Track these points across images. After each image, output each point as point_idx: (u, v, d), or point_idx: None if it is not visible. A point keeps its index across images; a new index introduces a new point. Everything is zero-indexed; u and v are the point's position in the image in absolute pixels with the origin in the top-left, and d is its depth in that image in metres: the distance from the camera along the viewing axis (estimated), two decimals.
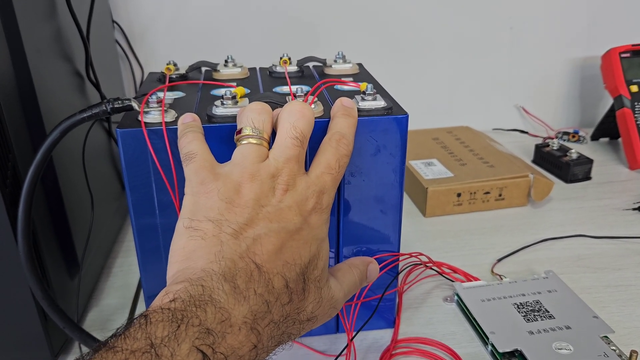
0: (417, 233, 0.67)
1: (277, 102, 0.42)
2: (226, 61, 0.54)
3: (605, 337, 0.48)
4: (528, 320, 0.49)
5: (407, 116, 0.43)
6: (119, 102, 0.41)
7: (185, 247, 0.32)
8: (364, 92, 0.44)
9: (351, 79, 0.53)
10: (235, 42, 0.86)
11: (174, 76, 0.52)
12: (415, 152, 0.79)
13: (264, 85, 0.51)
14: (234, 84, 0.51)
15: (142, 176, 0.41)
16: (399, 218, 0.47)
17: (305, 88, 0.46)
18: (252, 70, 0.56)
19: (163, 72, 0.52)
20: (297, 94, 0.42)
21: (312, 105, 0.42)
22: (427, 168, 0.74)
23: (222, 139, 0.41)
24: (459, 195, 0.70)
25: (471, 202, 0.71)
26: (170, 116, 0.42)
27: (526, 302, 0.52)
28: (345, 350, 0.46)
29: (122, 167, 0.41)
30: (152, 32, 0.83)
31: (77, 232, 0.50)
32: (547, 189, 0.72)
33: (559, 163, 0.80)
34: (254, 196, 0.33)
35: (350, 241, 0.47)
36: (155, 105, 0.41)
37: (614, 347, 0.47)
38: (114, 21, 0.79)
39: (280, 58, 0.54)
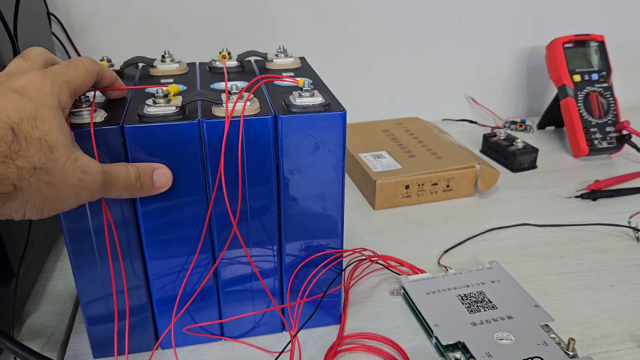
0: (366, 226, 0.67)
1: (211, 100, 0.41)
2: (163, 56, 0.53)
3: (546, 325, 0.49)
4: (471, 311, 0.50)
5: (345, 112, 0.42)
6: None
7: None
8: (300, 89, 0.43)
9: (292, 73, 0.52)
10: (179, 35, 0.84)
11: None
12: (365, 145, 0.79)
13: (203, 81, 0.50)
14: (171, 80, 0.50)
15: None
16: (341, 215, 0.46)
17: (242, 84, 0.45)
18: (191, 65, 0.55)
19: None
20: (231, 91, 0.41)
21: (248, 103, 0.41)
22: (376, 160, 0.74)
23: (154, 140, 0.40)
24: (407, 187, 0.70)
25: (419, 193, 0.71)
26: (100, 116, 0.40)
27: (470, 294, 0.52)
28: (290, 346, 0.46)
29: None
30: (92, 24, 0.80)
31: (9, 236, 0.48)
32: (494, 179, 0.73)
33: (505, 152, 0.81)
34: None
35: (292, 238, 0.46)
36: (85, 105, 0.40)
37: (553, 335, 0.48)
38: (50, 14, 0.75)
39: (220, 53, 0.53)
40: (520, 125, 0.94)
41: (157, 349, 0.48)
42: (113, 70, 0.50)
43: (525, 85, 1.00)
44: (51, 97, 0.35)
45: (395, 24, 0.90)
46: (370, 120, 0.90)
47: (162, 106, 0.40)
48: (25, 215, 0.33)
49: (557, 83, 0.86)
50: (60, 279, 0.58)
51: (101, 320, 0.45)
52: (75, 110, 0.40)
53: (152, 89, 0.46)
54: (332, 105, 0.43)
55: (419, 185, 0.71)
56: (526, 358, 0.45)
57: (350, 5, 0.88)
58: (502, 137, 0.84)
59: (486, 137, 0.85)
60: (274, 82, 0.49)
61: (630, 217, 0.66)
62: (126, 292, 0.44)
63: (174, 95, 0.42)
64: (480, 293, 0.52)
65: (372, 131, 0.84)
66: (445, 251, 0.62)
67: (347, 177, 0.79)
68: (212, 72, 0.52)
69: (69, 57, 0.79)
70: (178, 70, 0.52)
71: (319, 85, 0.48)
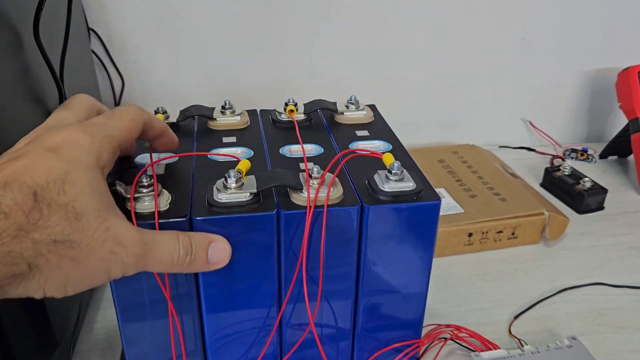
0: None
1: (290, 186, 0.36)
2: (223, 107, 0.47)
3: None
4: None
5: (440, 202, 0.37)
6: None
7: None
8: (389, 170, 0.37)
9: (366, 131, 0.47)
10: (221, 49, 0.78)
11: None
12: None
13: (268, 139, 0.45)
14: (233, 139, 0.45)
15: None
16: (422, 305, 0.41)
17: (314, 149, 0.40)
18: (252, 114, 0.49)
19: None
20: (312, 175, 0.36)
21: (332, 189, 0.36)
22: None
23: (225, 232, 0.35)
24: (470, 235, 0.65)
25: (482, 241, 0.66)
26: (164, 202, 0.35)
27: None
28: None
29: None
30: (133, 39, 0.74)
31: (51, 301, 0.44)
32: (563, 227, 0.68)
33: (571, 192, 0.75)
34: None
35: (368, 328, 0.41)
36: (147, 189, 0.35)
37: None
38: (90, 29, 0.70)
39: (286, 104, 0.47)
40: (582, 155, 0.88)
41: None
42: (169, 122, 0.46)
43: (587, 109, 0.93)
44: (89, 154, 0.30)
45: (455, 41, 0.84)
46: (422, 143, 0.84)
47: (234, 192, 0.35)
48: (46, 294, 0.29)
49: (629, 115, 0.79)
50: (102, 333, 0.54)
51: None
52: (137, 195, 0.35)
53: (217, 157, 0.41)
54: (424, 193, 0.37)
55: (483, 233, 0.65)
56: None
57: (406, 18, 0.81)
58: (566, 173, 0.78)
59: (549, 172, 0.79)
60: (351, 146, 0.43)
61: None
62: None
63: (245, 175, 0.37)
64: None
65: (427, 161, 0.79)
66: (516, 317, 0.57)
67: None
68: (278, 127, 0.47)
69: (108, 74, 0.74)
70: (239, 124, 0.47)
71: (400, 154, 0.43)
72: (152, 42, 0.74)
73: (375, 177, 0.38)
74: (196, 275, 0.37)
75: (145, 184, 0.35)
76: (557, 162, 0.85)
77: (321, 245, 0.36)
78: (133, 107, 0.36)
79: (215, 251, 0.34)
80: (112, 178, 0.38)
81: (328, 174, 0.37)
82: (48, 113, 0.46)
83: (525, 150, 0.90)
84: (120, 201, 0.34)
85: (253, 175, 0.37)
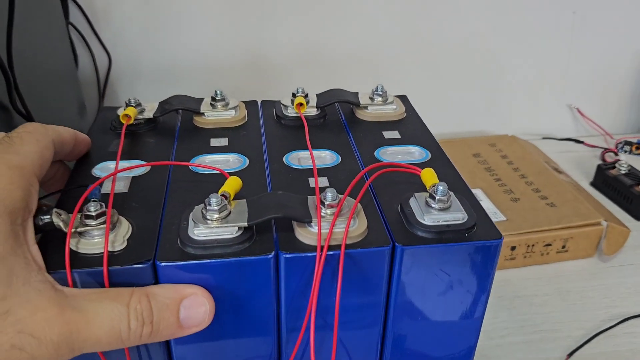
0: None
1: (293, 218, 0.26)
2: (214, 99, 0.37)
3: None
4: None
5: (502, 240, 0.27)
6: (38, 219, 0.25)
7: None
8: (431, 195, 0.27)
9: (396, 132, 0.36)
10: (218, 25, 0.67)
11: (137, 123, 0.35)
12: None
13: (270, 142, 0.35)
14: (225, 140, 0.35)
15: None
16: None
17: (331, 157, 0.30)
18: (251, 107, 0.39)
19: (119, 119, 0.35)
20: (325, 201, 0.26)
21: (352, 222, 0.26)
22: None
23: (204, 282, 0.25)
24: (513, 248, 0.55)
25: (527, 255, 0.56)
26: (120, 239, 0.25)
27: None
28: None
29: None
30: (119, 8, 0.64)
31: None
32: (622, 239, 0.57)
33: (628, 194, 0.64)
34: None
35: None
36: (95, 221, 0.25)
37: None
38: None
39: (294, 96, 0.37)
40: (638, 148, 0.76)
41: None
42: (144, 118, 0.36)
43: None
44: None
45: (492, 14, 0.72)
46: (453, 131, 0.74)
47: (217, 226, 0.25)
48: None
49: None
50: None
51: None
52: (82, 229, 0.25)
53: (200, 169, 0.31)
54: (478, 226, 0.27)
55: (528, 246, 0.55)
56: None
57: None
58: (623, 171, 0.66)
59: (601, 169, 0.68)
60: (377, 153, 0.33)
61: None
62: None
63: (233, 199, 0.27)
64: None
65: (461, 154, 0.68)
66: (570, 355, 0.47)
67: None
68: (283, 126, 0.37)
69: (90, 50, 0.64)
70: (233, 120, 0.37)
71: (443, 164, 0.33)
72: (141, 10, 0.64)
73: (412, 202, 0.28)
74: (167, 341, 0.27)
75: (94, 213, 0.25)
76: (609, 156, 0.74)
77: (336, 302, 0.26)
78: (31, 125, 0.27)
79: (190, 310, 0.25)
80: (57, 202, 0.29)
81: (348, 199, 0.27)
82: None
83: (572, 142, 0.78)
84: (61, 238, 0.25)
85: (245, 200, 0.27)
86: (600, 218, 0.56)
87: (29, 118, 0.40)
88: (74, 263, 0.24)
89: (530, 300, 0.53)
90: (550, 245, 0.56)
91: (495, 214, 0.57)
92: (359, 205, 0.27)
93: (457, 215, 0.27)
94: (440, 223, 0.27)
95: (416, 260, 0.26)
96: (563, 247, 0.56)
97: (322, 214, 0.26)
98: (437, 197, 0.27)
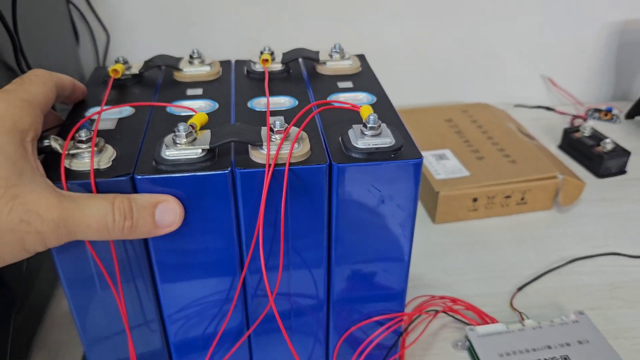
0: (425, 246, 0.58)
1: (247, 142, 0.32)
2: (191, 56, 0.43)
3: None
4: None
5: (421, 160, 0.32)
6: (40, 142, 0.31)
7: None
8: (364, 124, 0.33)
9: (350, 83, 0.42)
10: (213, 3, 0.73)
11: (124, 78, 0.41)
12: (425, 139, 0.68)
13: (239, 93, 0.40)
14: (200, 90, 0.40)
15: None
16: (405, 275, 0.37)
17: (288, 100, 0.35)
18: (225, 65, 0.45)
19: (109, 74, 0.41)
20: (274, 128, 0.32)
21: (296, 145, 0.32)
22: (438, 163, 0.64)
23: (174, 192, 0.31)
24: (475, 200, 0.60)
25: (488, 206, 0.61)
26: (105, 159, 0.31)
27: (552, 358, 0.43)
28: None
29: None
30: None
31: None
32: (578, 191, 0.62)
33: (590, 154, 0.69)
34: None
35: (343, 299, 0.37)
36: (85, 145, 0.31)
37: None
38: None
39: (261, 53, 0.43)
40: (606, 115, 0.81)
41: None
42: (131, 74, 0.41)
43: (614, 65, 0.86)
44: (3, 119, 0.28)
45: None
46: (431, 102, 0.79)
47: (184, 148, 0.31)
48: None
49: None
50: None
51: None
52: (74, 151, 0.31)
53: (175, 110, 0.37)
54: (404, 149, 0.33)
55: (489, 197, 0.60)
56: None
57: None
58: (586, 134, 0.71)
59: (567, 132, 0.73)
60: (330, 98, 0.39)
61: None
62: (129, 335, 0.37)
63: (200, 129, 0.33)
64: (565, 359, 0.43)
65: (433, 121, 0.73)
66: (519, 289, 0.52)
67: None
68: (251, 79, 0.42)
69: (89, 27, 0.69)
70: (209, 75, 0.42)
71: (385, 107, 0.38)
72: None
73: (350, 132, 0.33)
74: (146, 242, 0.33)
75: (84, 138, 0.31)
76: (577, 122, 0.79)
77: (282, 209, 0.31)
78: (39, 71, 0.33)
79: (164, 213, 0.30)
80: (55, 132, 0.35)
81: (293, 128, 0.32)
82: (3, 62, 0.42)
83: (543, 110, 0.83)
84: (58, 159, 0.31)
85: (209, 130, 0.33)
86: (557, 172, 0.61)
87: None
88: (67, 177, 0.30)
89: (488, 246, 0.58)
90: (509, 197, 0.61)
91: (460, 170, 0.62)
92: (303, 132, 0.33)
93: (386, 140, 0.32)
94: (371, 146, 0.32)
95: (350, 177, 0.32)
96: (522, 199, 0.61)
97: (272, 139, 0.32)
98: (369, 125, 0.32)
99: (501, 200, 0.61)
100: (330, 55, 0.44)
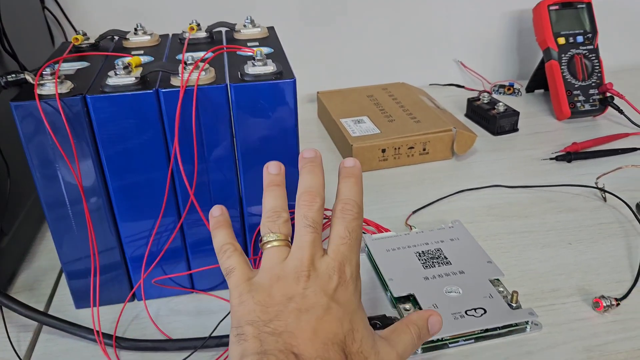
0: None
1: (168, 71, 0.44)
2: (136, 29, 0.56)
3: (497, 279, 0.52)
4: (426, 267, 0.53)
5: (294, 80, 0.45)
6: (13, 75, 0.43)
7: (236, 351, 0.35)
8: (253, 58, 0.45)
9: (257, 43, 0.54)
10: (171, 1, 0.86)
11: (83, 46, 0.54)
12: (348, 110, 0.81)
13: (171, 52, 0.53)
14: (142, 52, 0.53)
15: (44, 150, 0.44)
16: (297, 175, 0.49)
17: (197, 55, 0.48)
18: (164, 37, 0.57)
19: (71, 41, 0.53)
20: (187, 62, 0.44)
21: (204, 73, 0.44)
22: (356, 126, 0.76)
23: (116, 110, 0.43)
24: (383, 151, 0.73)
25: (396, 157, 0.74)
26: (66, 87, 0.43)
27: (428, 250, 0.55)
28: None
29: (22, 142, 0.43)
30: None
31: None
32: (470, 141, 0.75)
33: (487, 116, 0.83)
34: (282, 294, 0.37)
35: (252, 199, 0.49)
36: (50, 77, 0.43)
37: (501, 289, 0.51)
38: None
39: (189, 24, 0.56)
40: (509, 89, 0.95)
41: (134, 300, 0.52)
42: (89, 43, 0.54)
43: (516, 48, 1.00)
44: (355, 293, 0.38)
45: None
46: (358, 86, 0.92)
47: (122, 77, 0.43)
48: None
49: (542, 46, 0.86)
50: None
51: (80, 276, 0.50)
52: (42, 82, 0.43)
53: (120, 60, 0.50)
54: (283, 74, 0.45)
55: (395, 149, 0.73)
56: (469, 309, 0.48)
57: None
58: (485, 101, 0.85)
59: (470, 101, 0.87)
60: (237, 53, 0.51)
61: (597, 178, 0.67)
62: (96, 253, 0.49)
63: (136, 67, 0.45)
64: (438, 250, 0.55)
65: (357, 97, 0.87)
66: (414, 212, 0.65)
67: (330, 142, 0.82)
68: (182, 44, 0.55)
69: (63, 30, 0.82)
70: (150, 42, 0.55)
71: (279, 55, 0.51)
72: None
73: (245, 66, 0.46)
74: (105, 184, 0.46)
75: (49, 72, 0.43)
76: (480, 96, 0.93)
77: (192, 122, 0.44)
78: (356, 207, 0.40)
79: (433, 324, 0.40)
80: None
81: (200, 63, 0.45)
82: None
83: (454, 87, 0.97)
84: (30, 88, 0.43)
85: (142, 67, 0.45)
86: (451, 126, 0.75)
87: (13, 56, 0.59)
88: (40, 98, 0.42)
89: (395, 186, 0.71)
90: (413, 148, 0.74)
91: (373, 129, 0.75)
92: (212, 67, 0.45)
93: (269, 68, 0.45)
94: (258, 72, 0.45)
95: (244, 94, 0.44)
96: (424, 149, 0.74)
97: (186, 69, 0.44)
98: (257, 58, 0.45)
99: (406, 151, 0.74)
100: (245, 25, 0.57)
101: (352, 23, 0.93)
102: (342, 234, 0.38)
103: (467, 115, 0.88)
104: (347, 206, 0.39)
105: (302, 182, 0.41)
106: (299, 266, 0.37)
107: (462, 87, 0.96)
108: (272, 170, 0.42)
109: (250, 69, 0.45)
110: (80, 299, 0.51)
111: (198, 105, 0.44)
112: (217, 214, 0.43)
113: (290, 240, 0.40)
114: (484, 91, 0.94)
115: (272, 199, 0.41)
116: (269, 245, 0.39)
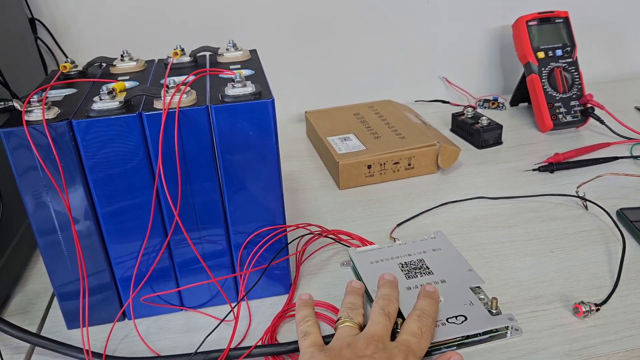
0: (330, 204, 0.72)
1: (150, 94, 0.46)
2: (122, 55, 0.58)
3: (478, 287, 0.53)
4: (409, 277, 0.54)
5: (272, 100, 0.47)
6: (1, 103, 0.45)
7: None
8: (233, 80, 0.47)
9: (239, 66, 0.56)
10: (158, 28, 0.89)
11: (72, 73, 0.56)
12: (334, 129, 0.83)
13: (155, 77, 0.55)
14: (127, 77, 0.55)
15: (33, 176, 0.45)
16: (279, 193, 0.51)
17: (180, 79, 0.50)
18: (150, 62, 0.59)
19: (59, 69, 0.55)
20: (169, 85, 0.46)
21: (185, 95, 0.46)
22: (342, 143, 0.78)
23: (101, 133, 0.45)
24: (369, 167, 0.74)
25: (382, 172, 0.75)
26: (52, 113, 0.45)
27: (410, 262, 0.56)
28: (236, 310, 0.51)
29: (12, 168, 0.45)
30: (75, 25, 0.85)
31: None
32: (454, 155, 0.77)
33: (471, 130, 0.84)
34: (351, 354, 0.43)
35: (237, 218, 0.51)
36: (38, 104, 0.45)
37: (482, 296, 0.52)
38: (35, 19, 0.81)
39: (174, 50, 0.58)
40: (493, 103, 0.97)
41: (124, 319, 0.53)
42: (77, 70, 0.56)
43: (499, 63, 1.03)
44: None
45: (364, 10, 0.94)
46: (347, 104, 0.94)
47: (107, 102, 0.45)
48: None
49: (522, 61, 0.89)
50: None
51: (71, 298, 0.51)
52: (30, 108, 0.45)
53: (107, 84, 0.52)
54: (262, 94, 0.47)
55: (381, 164, 0.75)
56: (450, 316, 0.49)
57: None
58: (469, 116, 0.87)
59: (454, 116, 0.88)
60: (219, 76, 0.53)
61: (577, 187, 0.69)
62: (85, 276, 0.50)
63: (120, 92, 0.47)
64: (420, 261, 0.57)
65: (344, 115, 0.88)
66: (398, 225, 0.66)
67: (319, 160, 0.83)
68: (166, 68, 0.57)
69: (56, 59, 0.85)
70: (136, 67, 0.57)
71: (259, 76, 0.53)
72: (94, 26, 0.85)
73: (225, 88, 0.48)
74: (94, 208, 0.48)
75: (37, 100, 0.45)
76: (464, 110, 0.95)
77: (175, 144, 0.45)
78: (434, 307, 0.49)
79: None
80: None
81: (182, 86, 0.47)
82: None
83: (440, 103, 0.99)
84: (18, 114, 0.45)
85: (126, 92, 0.47)
86: (435, 141, 0.76)
87: (6, 85, 0.61)
88: (27, 124, 0.44)
89: (380, 201, 0.72)
90: (398, 163, 0.75)
91: (359, 146, 0.77)
92: (194, 90, 0.47)
93: (249, 89, 0.47)
94: (237, 93, 0.47)
95: (224, 115, 0.46)
96: (409, 164, 0.76)
97: (168, 92, 0.46)
98: (236, 80, 0.47)
99: (392, 167, 0.75)
100: (227, 49, 0.59)
101: (339, 44, 0.95)
102: (415, 331, 0.45)
103: (452, 130, 0.90)
104: (424, 314, 0.47)
105: (382, 291, 0.50)
106: (371, 337, 0.44)
107: (448, 102, 0.98)
108: (356, 284, 0.53)
109: (230, 91, 0.47)
110: (72, 320, 0.52)
111: (180, 127, 0.46)
112: (306, 297, 0.52)
113: (360, 329, 0.47)
114: (469, 106, 0.96)
115: (353, 297, 0.51)
116: (343, 325, 0.47)
